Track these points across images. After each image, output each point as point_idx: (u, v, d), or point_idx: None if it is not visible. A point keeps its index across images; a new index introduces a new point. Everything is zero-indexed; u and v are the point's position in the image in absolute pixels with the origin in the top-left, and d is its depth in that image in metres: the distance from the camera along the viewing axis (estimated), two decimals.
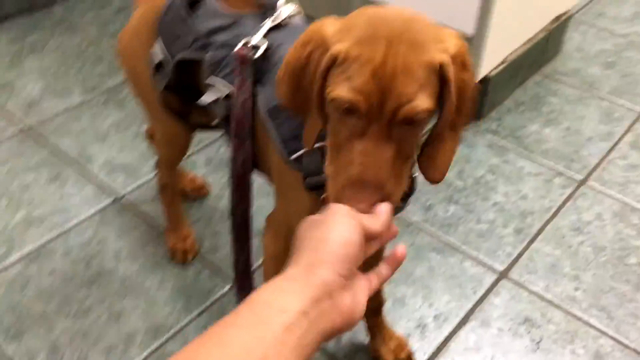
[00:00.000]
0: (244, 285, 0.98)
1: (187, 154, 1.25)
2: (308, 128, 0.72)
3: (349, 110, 0.63)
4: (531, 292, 1.28)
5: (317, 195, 0.78)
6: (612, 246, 1.38)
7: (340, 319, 0.54)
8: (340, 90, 0.63)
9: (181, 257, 1.31)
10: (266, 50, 0.86)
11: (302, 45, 0.68)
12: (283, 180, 0.88)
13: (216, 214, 1.43)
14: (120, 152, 1.60)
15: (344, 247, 0.56)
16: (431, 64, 0.62)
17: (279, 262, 0.91)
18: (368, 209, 0.63)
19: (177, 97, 1.06)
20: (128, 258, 1.33)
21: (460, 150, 1.62)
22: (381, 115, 0.62)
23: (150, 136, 1.38)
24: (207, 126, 1.13)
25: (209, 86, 0.93)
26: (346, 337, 1.19)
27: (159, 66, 1.01)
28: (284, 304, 0.50)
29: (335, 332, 0.54)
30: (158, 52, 1.00)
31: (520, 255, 1.36)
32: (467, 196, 1.50)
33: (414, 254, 1.35)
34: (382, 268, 0.65)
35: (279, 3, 0.93)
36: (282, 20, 0.89)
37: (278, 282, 0.53)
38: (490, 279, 1.31)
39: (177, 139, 1.17)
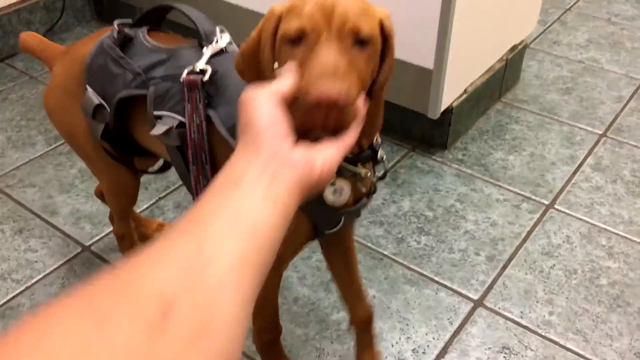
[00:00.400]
0: None
1: (155, 199, 1.23)
2: None
3: (298, 37, 0.66)
4: (507, 319, 1.28)
5: (303, 210, 0.81)
6: (583, 268, 1.40)
7: (297, 172, 0.53)
8: (288, 25, 0.67)
9: None
10: (212, 75, 0.89)
11: (258, 26, 0.74)
12: None
13: None
14: (85, 202, 1.57)
15: (268, 115, 0.56)
16: (374, 14, 0.69)
17: (271, 288, 0.96)
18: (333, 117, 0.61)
19: (116, 142, 1.06)
20: None
21: (428, 181, 1.63)
22: (329, 34, 0.65)
23: (100, 194, 1.36)
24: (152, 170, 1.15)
25: (155, 120, 0.94)
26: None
27: (95, 111, 1.01)
28: (238, 171, 0.51)
29: (303, 188, 0.53)
30: (92, 98, 1.00)
31: (494, 282, 1.36)
32: (438, 226, 1.51)
33: (388, 287, 1.35)
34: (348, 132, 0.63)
35: (215, 32, 0.95)
36: (222, 48, 0.93)
37: (222, 171, 0.53)
38: (465, 308, 1.30)
39: (123, 186, 1.16)
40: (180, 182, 1.62)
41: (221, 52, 0.93)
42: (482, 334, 1.25)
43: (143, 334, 0.35)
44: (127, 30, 1.00)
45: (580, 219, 1.53)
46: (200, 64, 0.89)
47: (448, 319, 1.28)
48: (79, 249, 1.44)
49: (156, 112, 0.94)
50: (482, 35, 1.68)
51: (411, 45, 1.53)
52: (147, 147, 1.05)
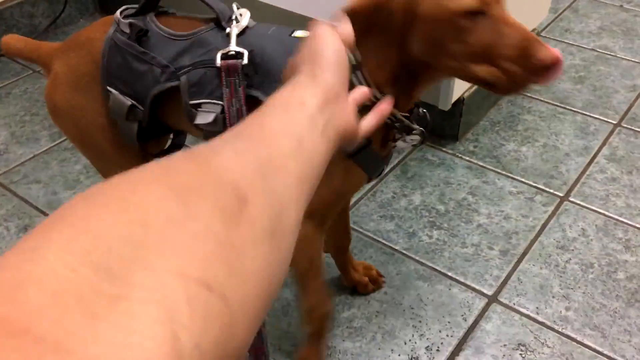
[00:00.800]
0: (257, 353, 0.93)
1: None
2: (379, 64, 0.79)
3: (479, 11, 0.73)
4: (522, 315, 1.25)
5: (357, 161, 0.87)
6: (600, 262, 1.36)
7: (346, 123, 0.57)
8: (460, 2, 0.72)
9: None
10: (249, 55, 0.88)
11: None
12: None
13: None
14: None
15: (337, 55, 0.59)
16: None
17: (311, 243, 0.97)
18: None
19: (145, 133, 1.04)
20: None
21: (439, 173, 1.60)
22: (500, 5, 0.75)
23: None
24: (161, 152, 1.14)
25: (193, 109, 0.92)
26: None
27: (129, 112, 0.98)
28: (302, 98, 0.53)
29: (345, 137, 0.57)
30: (122, 99, 0.97)
31: (508, 277, 1.33)
32: (450, 220, 1.48)
33: (400, 283, 1.32)
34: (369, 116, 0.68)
35: (232, 10, 0.94)
36: (246, 26, 0.92)
37: (288, 86, 0.55)
38: (480, 304, 1.27)
39: None
40: None
41: (245, 29, 0.92)
42: (497, 330, 1.22)
43: (221, 221, 0.34)
44: (136, 21, 0.97)
45: (596, 211, 1.49)
46: (233, 46, 0.88)
47: (462, 315, 1.25)
48: None
49: (193, 101, 0.92)
50: None
51: None
52: (183, 130, 1.06)
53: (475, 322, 1.24)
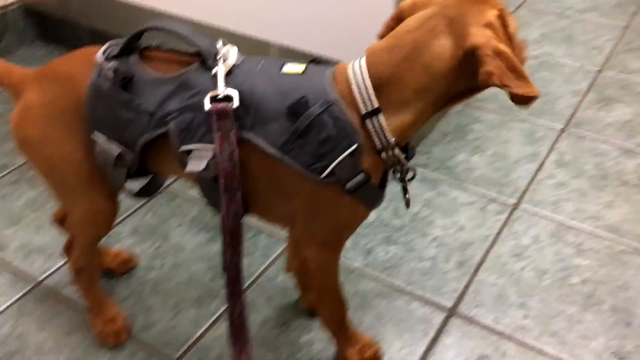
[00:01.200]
0: (239, 340, 0.95)
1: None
2: (415, 121, 0.86)
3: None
4: (482, 327, 1.25)
5: (358, 197, 0.89)
6: (554, 267, 1.38)
7: None
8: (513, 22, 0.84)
9: (113, 340, 1.21)
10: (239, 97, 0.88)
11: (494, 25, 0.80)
12: (317, 200, 0.91)
13: (146, 288, 1.34)
14: (36, 233, 1.49)
15: None
16: None
17: (331, 269, 1.01)
18: None
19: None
20: (52, 351, 1.21)
21: (394, 188, 1.60)
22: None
23: (60, 220, 1.28)
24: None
25: (183, 155, 0.91)
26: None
27: (117, 159, 0.97)
28: None
29: None
30: (111, 146, 0.96)
31: (466, 288, 1.33)
32: (406, 234, 1.47)
33: (359, 302, 1.30)
34: None
35: (216, 47, 0.92)
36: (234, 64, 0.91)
37: None
38: (439, 318, 1.27)
39: (104, 216, 1.08)
40: (138, 206, 1.55)
41: (232, 67, 0.91)
42: (458, 343, 1.22)
43: None
44: (120, 65, 0.94)
45: (547, 217, 1.51)
46: (222, 89, 0.87)
47: (422, 330, 1.24)
48: (30, 286, 1.35)
49: (184, 148, 0.91)
50: None
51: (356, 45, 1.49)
52: (172, 175, 1.05)
53: (436, 337, 1.23)
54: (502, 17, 0.81)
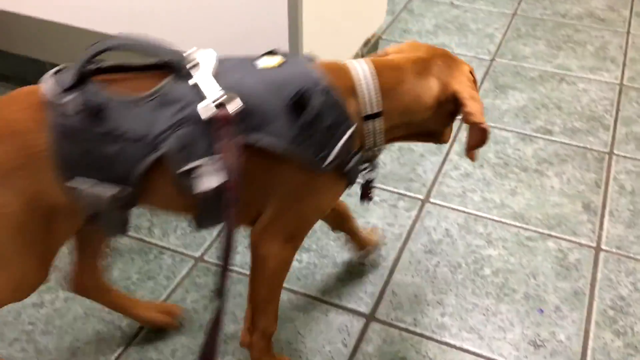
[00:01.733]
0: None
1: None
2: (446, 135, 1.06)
3: None
4: (401, 330, 1.22)
5: (347, 176, 0.94)
6: (466, 261, 1.38)
7: None
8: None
9: None
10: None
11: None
12: (307, 186, 0.91)
13: (37, 328, 1.21)
14: None
15: None
16: None
17: (287, 267, 1.00)
18: None
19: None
20: None
21: None
22: None
23: None
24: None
25: (186, 176, 0.83)
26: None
27: (112, 201, 0.85)
28: None
29: None
30: (98, 188, 0.83)
31: (382, 291, 1.30)
32: (318, 240, 1.43)
33: None
34: None
35: (187, 56, 0.86)
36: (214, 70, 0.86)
37: None
38: (358, 325, 1.23)
39: (28, 282, 0.93)
40: None
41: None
42: (379, 351, 1.18)
43: None
44: (83, 98, 0.81)
45: (456, 209, 1.52)
46: (219, 94, 0.83)
47: (342, 341, 1.20)
48: None
49: (190, 165, 0.83)
50: (333, 34, 1.61)
51: (262, 40, 1.43)
52: (159, 208, 0.93)
53: (356, 346, 1.19)
54: (472, 72, 1.01)
